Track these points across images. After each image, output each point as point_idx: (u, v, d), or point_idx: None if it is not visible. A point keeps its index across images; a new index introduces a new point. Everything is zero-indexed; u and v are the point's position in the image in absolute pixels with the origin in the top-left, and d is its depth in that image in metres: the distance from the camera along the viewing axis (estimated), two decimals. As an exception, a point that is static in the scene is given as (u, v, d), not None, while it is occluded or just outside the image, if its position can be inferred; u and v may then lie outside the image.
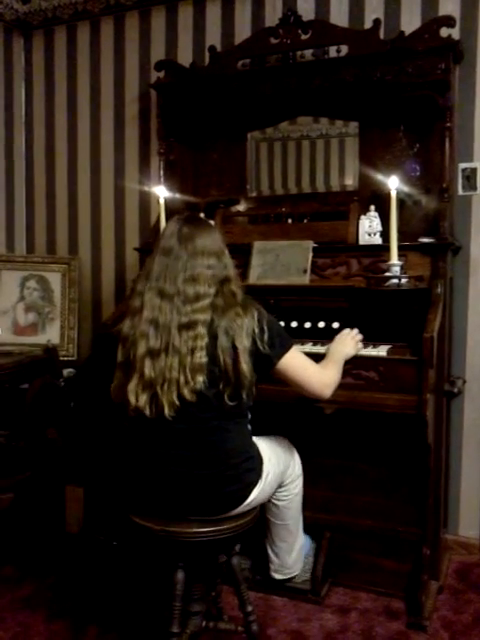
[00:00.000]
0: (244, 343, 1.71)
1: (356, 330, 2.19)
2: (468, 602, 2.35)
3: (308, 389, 1.93)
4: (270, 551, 2.32)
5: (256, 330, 1.75)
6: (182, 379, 1.71)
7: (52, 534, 2.83)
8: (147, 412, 1.74)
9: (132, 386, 1.75)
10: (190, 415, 1.74)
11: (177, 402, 1.72)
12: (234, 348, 1.71)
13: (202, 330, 1.71)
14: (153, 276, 1.79)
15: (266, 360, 1.80)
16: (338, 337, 2.16)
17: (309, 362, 1.94)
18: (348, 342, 2.13)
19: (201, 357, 1.70)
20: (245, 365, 1.71)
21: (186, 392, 1.71)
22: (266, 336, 1.76)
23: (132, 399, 1.75)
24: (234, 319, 1.72)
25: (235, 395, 1.75)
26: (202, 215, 2.72)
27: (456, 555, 2.68)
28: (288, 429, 2.33)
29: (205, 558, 1.96)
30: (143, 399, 1.74)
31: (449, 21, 2.36)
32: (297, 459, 2.21)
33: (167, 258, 1.78)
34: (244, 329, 1.72)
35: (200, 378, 1.71)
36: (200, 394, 1.72)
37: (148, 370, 1.73)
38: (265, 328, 1.77)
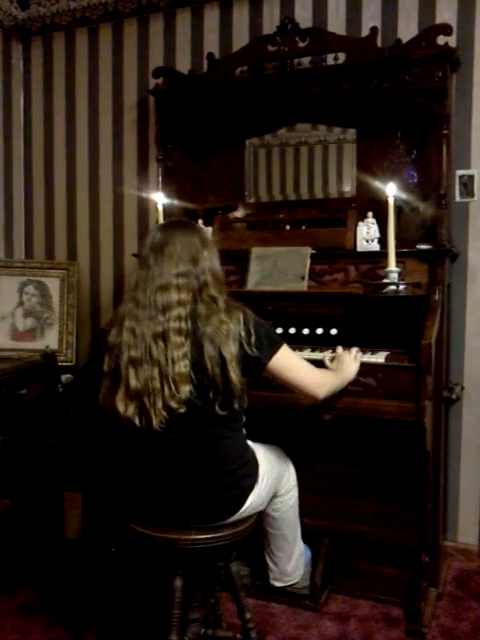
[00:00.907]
0: (231, 350, 1.70)
1: (355, 349, 2.16)
2: (467, 609, 2.35)
3: (302, 387, 1.91)
4: (269, 560, 2.33)
5: (242, 333, 1.73)
6: (166, 391, 1.70)
7: (51, 540, 2.83)
8: (136, 422, 1.74)
9: (120, 396, 1.75)
10: (182, 424, 1.74)
11: (165, 413, 1.71)
12: (221, 357, 1.69)
13: (179, 339, 1.70)
14: (131, 286, 1.82)
15: (255, 362, 1.79)
16: (340, 357, 2.13)
17: (301, 361, 1.93)
18: (350, 361, 2.10)
19: (184, 366, 1.69)
20: (234, 374, 1.70)
21: (173, 403, 1.70)
22: (253, 338, 1.75)
23: (121, 408, 1.74)
24: (219, 327, 1.71)
25: (226, 404, 1.74)
26: (200, 222, 2.73)
27: (455, 562, 2.68)
28: (286, 436, 2.34)
29: (203, 565, 1.96)
30: (131, 409, 1.74)
31: (446, 29, 2.37)
32: (292, 469, 2.21)
33: (142, 268, 1.80)
34: (230, 336, 1.71)
35: (186, 388, 1.69)
36: (189, 403, 1.71)
37: (133, 380, 1.72)
38: (251, 330, 1.75)
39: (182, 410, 1.71)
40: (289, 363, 1.88)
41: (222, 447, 1.79)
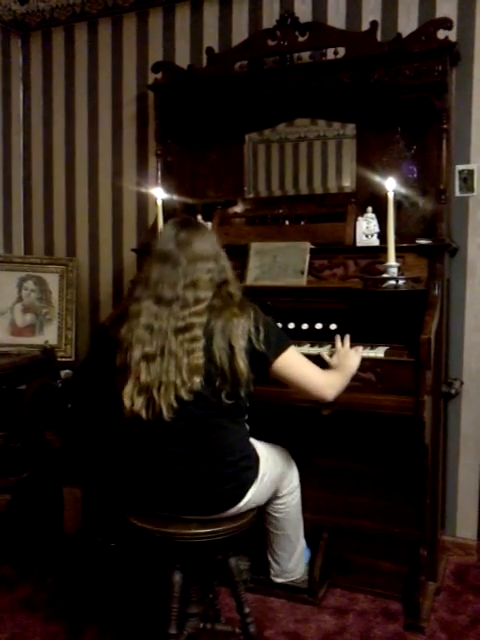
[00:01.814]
0: (240, 342, 1.73)
1: (352, 348, 2.15)
2: (466, 603, 2.36)
3: (309, 388, 1.90)
4: (271, 558, 2.34)
5: (252, 329, 1.76)
6: (179, 381, 1.72)
7: (50, 535, 2.83)
8: (143, 415, 1.75)
9: (128, 390, 1.76)
10: (187, 413, 1.75)
11: (175, 404, 1.72)
12: (230, 347, 1.72)
13: (198, 332, 1.73)
14: (151, 283, 1.80)
15: (262, 358, 1.80)
16: (341, 352, 2.13)
17: (309, 362, 1.93)
18: (352, 355, 2.10)
19: (198, 358, 1.71)
20: (241, 362, 1.72)
21: (183, 393, 1.72)
22: (262, 335, 1.77)
23: (127, 402, 1.76)
24: (230, 319, 1.74)
25: (233, 393, 1.76)
26: (200, 217, 2.73)
27: (453, 556, 2.69)
28: (285, 430, 2.34)
29: (202, 559, 1.96)
30: (139, 403, 1.75)
31: (446, 23, 2.36)
32: (295, 471, 2.21)
33: (165, 265, 1.79)
34: (240, 328, 1.73)
35: (197, 379, 1.72)
36: (197, 393, 1.73)
37: (144, 374, 1.74)
38: (261, 328, 1.77)
39: (190, 399, 1.73)
40: (297, 363, 1.89)
41: (224, 437, 1.80)
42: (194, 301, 1.75)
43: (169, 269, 1.78)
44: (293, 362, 1.87)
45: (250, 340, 1.75)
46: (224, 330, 1.73)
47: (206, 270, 1.78)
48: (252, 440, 1.96)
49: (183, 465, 1.78)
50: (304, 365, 1.90)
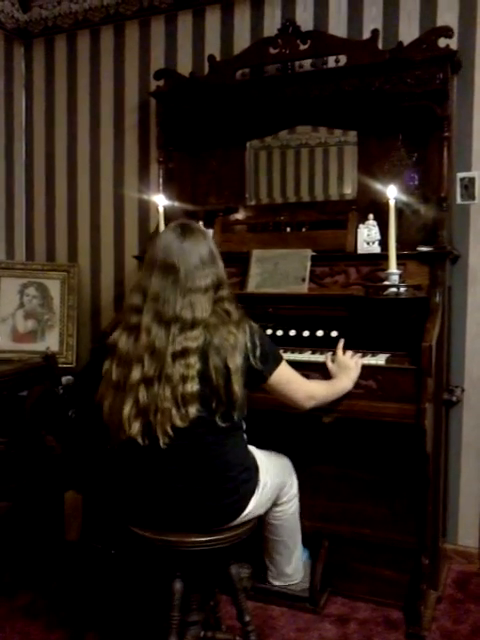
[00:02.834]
0: (236, 362, 1.69)
1: (352, 354, 2.16)
2: (467, 612, 2.35)
3: (293, 400, 1.95)
4: (268, 562, 2.34)
5: (248, 345, 1.74)
6: (174, 411, 1.68)
7: (51, 542, 2.83)
8: (140, 441, 1.72)
9: (126, 412, 1.72)
10: (184, 435, 1.72)
11: (171, 431, 1.69)
12: (226, 368, 1.69)
13: (194, 357, 1.68)
14: (150, 295, 1.74)
15: (258, 376, 1.81)
16: (341, 364, 2.13)
17: (297, 375, 1.96)
18: (349, 370, 2.10)
19: (193, 386, 1.68)
20: (237, 385, 1.69)
21: (178, 421, 1.69)
22: (259, 351, 1.76)
23: (126, 427, 1.72)
24: (226, 337, 1.70)
25: (227, 415, 1.74)
26: (201, 223, 2.73)
27: (455, 564, 2.68)
28: (286, 438, 2.34)
29: (203, 568, 1.95)
30: (136, 427, 1.71)
31: (447, 31, 2.37)
32: (294, 479, 2.20)
33: (166, 278, 1.73)
34: (237, 347, 1.70)
35: (193, 408, 1.68)
36: (192, 419, 1.70)
37: (142, 397, 1.70)
38: (257, 343, 1.76)
39: (185, 425, 1.70)
40: (287, 379, 1.91)
41: (223, 453, 1.78)
42: (191, 323, 1.70)
43: (170, 284, 1.72)
44: (284, 377, 1.90)
45: (246, 357, 1.73)
46: (220, 349, 1.69)
47: (204, 288, 1.73)
48: (251, 448, 1.95)
49: (182, 483, 1.76)
50: (294, 380, 1.94)
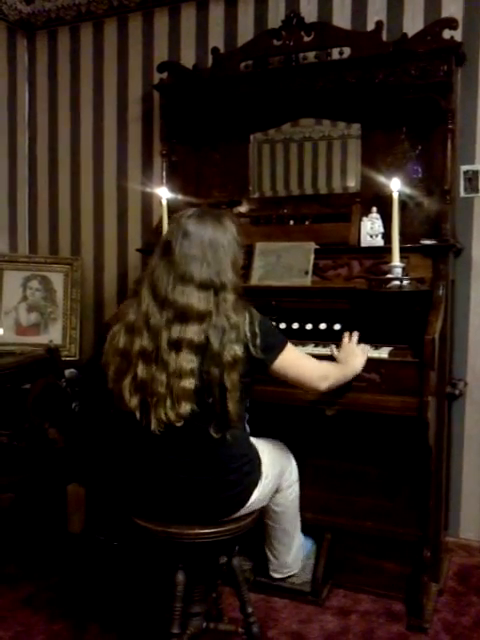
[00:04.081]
0: (233, 378, 1.66)
1: (361, 345, 2.15)
2: (469, 604, 2.35)
3: (305, 382, 1.92)
4: (268, 553, 2.33)
5: (248, 335, 1.71)
6: (168, 402, 1.68)
7: (54, 534, 2.84)
8: (137, 416, 1.73)
9: (127, 383, 1.73)
10: (181, 432, 1.71)
11: (164, 420, 1.69)
12: (222, 384, 1.66)
13: (191, 355, 1.67)
14: (149, 268, 1.76)
15: (260, 364, 1.78)
16: (347, 349, 2.12)
17: (305, 357, 1.94)
18: (357, 354, 2.09)
19: (189, 383, 1.66)
20: (231, 403, 1.68)
21: (172, 416, 1.68)
22: (259, 340, 1.72)
23: (126, 395, 1.73)
24: (226, 332, 1.67)
25: (220, 430, 1.73)
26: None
27: (457, 557, 2.68)
28: (289, 431, 2.34)
29: (206, 559, 1.96)
30: (134, 401, 1.73)
31: (451, 23, 2.36)
32: (294, 464, 2.20)
33: (162, 257, 1.74)
34: (234, 337, 1.68)
35: (188, 406, 1.67)
36: (187, 420, 1.70)
37: (141, 372, 1.71)
38: (257, 331, 1.73)
39: (180, 424, 1.69)
40: (294, 362, 1.88)
41: (226, 446, 1.77)
42: (183, 311, 1.67)
43: (165, 263, 1.72)
44: (289, 362, 1.86)
45: (247, 347, 1.71)
46: (219, 362, 1.66)
47: (200, 267, 1.69)
48: (252, 440, 1.95)
49: (186, 473, 1.77)
50: (300, 363, 1.91)
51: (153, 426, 1.70)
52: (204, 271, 1.70)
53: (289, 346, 1.87)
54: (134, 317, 1.75)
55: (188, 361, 1.66)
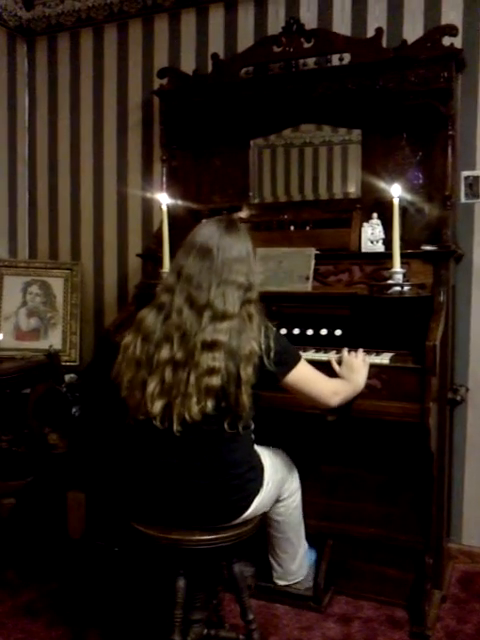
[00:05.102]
0: (248, 371, 1.70)
1: (361, 352, 2.14)
2: (472, 611, 2.34)
3: (317, 399, 1.94)
4: (273, 561, 2.33)
5: (263, 347, 1.74)
6: (195, 399, 1.69)
7: (54, 540, 2.83)
8: (158, 423, 1.74)
9: (151, 390, 1.73)
10: (196, 428, 1.73)
11: (188, 418, 1.70)
12: (239, 376, 1.69)
13: (221, 353, 1.69)
14: (184, 275, 1.76)
15: (271, 377, 1.80)
16: (348, 363, 2.10)
17: (316, 372, 1.95)
18: (359, 368, 2.08)
19: (216, 380, 1.68)
20: (245, 396, 1.70)
21: (196, 411, 1.69)
22: (273, 353, 1.76)
23: (149, 405, 1.73)
24: (244, 345, 1.70)
25: (233, 424, 1.74)
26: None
27: (459, 564, 2.67)
28: (290, 437, 2.33)
29: (207, 566, 1.95)
30: (158, 406, 1.72)
31: (451, 30, 2.37)
32: (295, 473, 2.20)
33: (202, 261, 1.75)
34: (252, 354, 1.71)
35: (211, 403, 1.69)
36: (206, 414, 1.71)
37: (168, 377, 1.72)
38: (272, 345, 1.76)
39: (199, 418, 1.70)
40: (305, 378, 1.90)
41: (232, 451, 1.79)
42: (222, 314, 1.71)
43: (206, 268, 1.74)
44: (301, 377, 1.89)
45: (261, 359, 1.74)
46: (236, 356, 1.69)
47: (238, 274, 1.75)
48: (255, 447, 1.95)
49: (189, 477, 1.77)
50: (312, 379, 1.93)
51: (175, 427, 1.71)
52: (241, 275, 1.76)
53: (302, 362, 1.89)
54: (156, 326, 1.76)
55: (217, 359, 1.69)
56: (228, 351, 1.70)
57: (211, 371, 1.68)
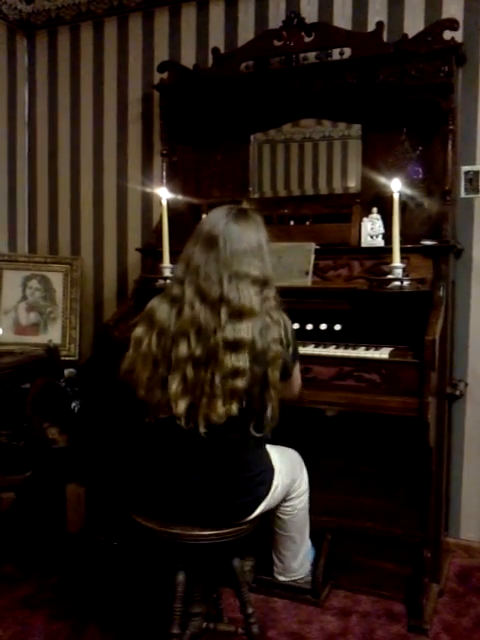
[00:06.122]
0: (276, 375, 1.69)
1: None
2: (469, 605, 2.35)
3: (295, 391, 1.98)
4: (275, 557, 2.34)
5: (283, 342, 1.72)
6: (220, 401, 1.63)
7: (53, 534, 2.83)
8: (182, 423, 1.68)
9: (174, 389, 1.66)
10: (220, 429, 1.69)
11: (214, 418, 1.65)
12: (265, 379, 1.67)
13: (245, 354, 1.63)
14: (192, 267, 1.69)
15: (286, 372, 1.81)
16: None
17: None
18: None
19: (241, 382, 1.63)
20: (276, 401, 1.70)
21: (222, 412, 1.64)
22: (291, 349, 1.77)
23: (173, 405, 1.67)
24: (273, 343, 1.67)
25: (259, 426, 1.74)
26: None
27: (457, 558, 2.68)
28: (290, 431, 2.32)
29: (206, 560, 1.96)
30: (182, 406, 1.66)
31: (452, 24, 2.36)
32: (305, 475, 2.20)
33: (208, 252, 1.68)
34: (277, 353, 1.68)
35: (235, 406, 1.64)
36: (231, 417, 1.67)
37: (190, 374, 1.65)
38: (290, 340, 1.76)
39: (222, 421, 1.66)
40: (297, 372, 1.95)
41: (246, 452, 1.79)
42: (239, 312, 1.64)
43: (212, 259, 1.66)
44: (297, 371, 1.93)
45: (284, 358, 1.73)
46: (262, 359, 1.66)
47: (249, 266, 1.67)
48: (268, 447, 1.93)
49: (202, 476, 1.76)
50: (298, 373, 1.97)
51: (201, 428, 1.66)
52: (255, 268, 1.69)
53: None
54: (170, 321, 1.69)
55: (242, 360, 1.63)
56: (252, 352, 1.65)
57: (236, 373, 1.62)
